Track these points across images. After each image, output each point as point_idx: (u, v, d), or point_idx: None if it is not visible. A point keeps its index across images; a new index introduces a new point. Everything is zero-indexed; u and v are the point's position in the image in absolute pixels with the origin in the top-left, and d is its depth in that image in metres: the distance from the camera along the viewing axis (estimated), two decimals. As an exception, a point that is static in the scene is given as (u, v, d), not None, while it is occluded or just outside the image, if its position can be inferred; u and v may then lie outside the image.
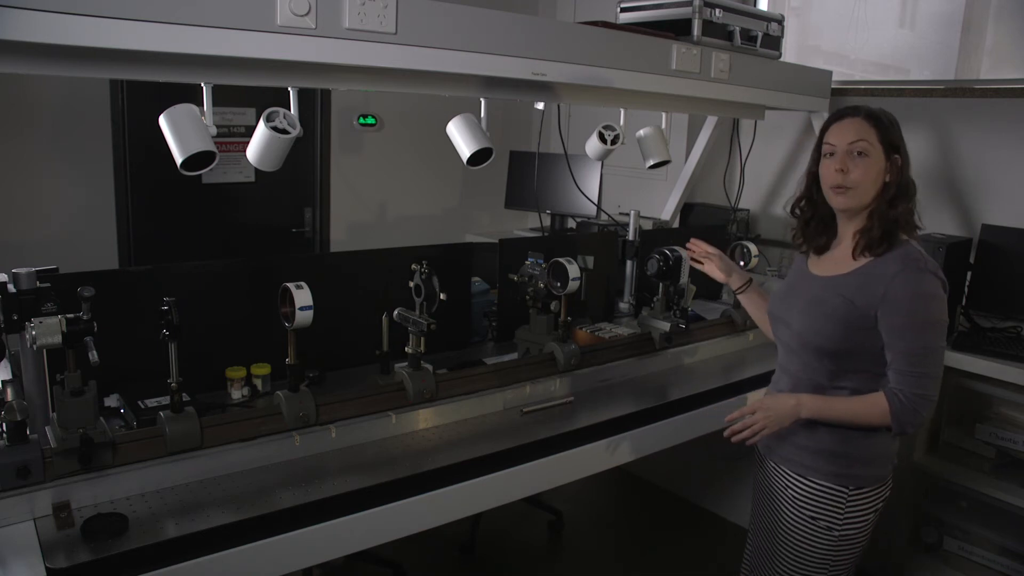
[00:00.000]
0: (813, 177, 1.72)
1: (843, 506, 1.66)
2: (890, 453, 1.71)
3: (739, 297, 2.08)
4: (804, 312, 1.68)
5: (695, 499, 3.48)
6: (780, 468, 1.75)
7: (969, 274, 2.78)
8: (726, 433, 1.71)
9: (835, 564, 1.70)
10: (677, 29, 2.44)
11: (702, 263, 2.14)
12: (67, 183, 3.32)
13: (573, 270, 2.04)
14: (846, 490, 1.66)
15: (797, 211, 1.78)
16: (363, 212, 4.18)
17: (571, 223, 3.80)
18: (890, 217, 1.60)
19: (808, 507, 1.69)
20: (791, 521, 1.72)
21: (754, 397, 2.19)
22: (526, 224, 4.47)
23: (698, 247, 2.16)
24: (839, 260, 1.67)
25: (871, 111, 1.63)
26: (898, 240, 1.61)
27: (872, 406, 1.59)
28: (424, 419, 1.82)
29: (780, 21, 2.78)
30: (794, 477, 1.72)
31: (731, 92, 2.57)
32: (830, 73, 3.09)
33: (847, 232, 1.68)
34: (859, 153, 1.59)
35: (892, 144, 1.60)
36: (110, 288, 1.66)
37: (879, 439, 1.65)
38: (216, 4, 1.44)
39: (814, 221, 1.74)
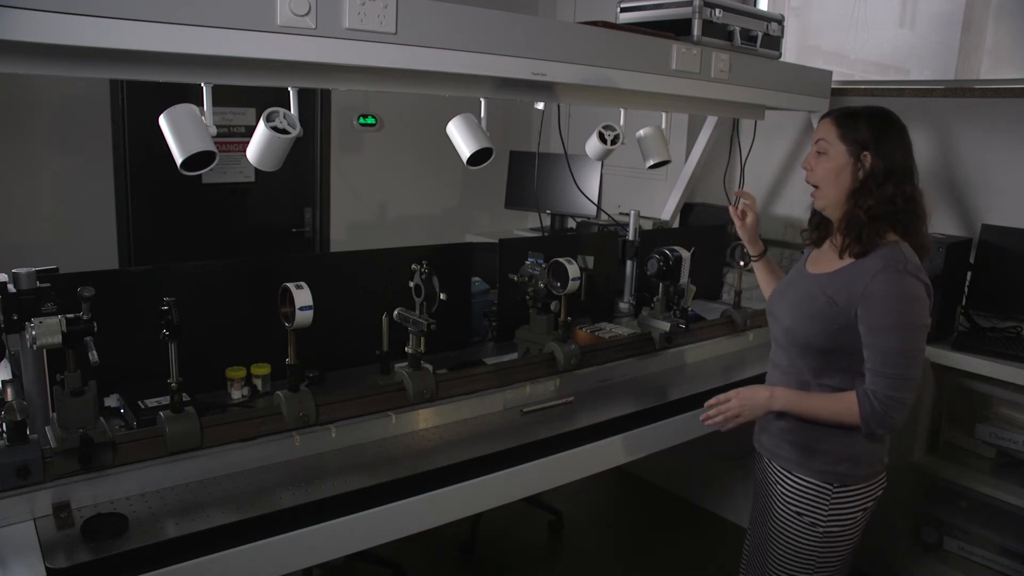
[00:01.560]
0: None
1: (827, 503, 1.67)
2: (877, 452, 1.71)
3: (754, 264, 2.09)
4: (792, 309, 1.72)
5: (695, 499, 3.48)
6: (772, 464, 1.78)
7: (969, 274, 2.78)
8: (701, 417, 1.76)
9: (822, 561, 1.71)
10: (677, 29, 2.44)
11: (742, 217, 2.06)
12: (67, 183, 3.31)
13: (573, 270, 2.05)
14: (830, 487, 1.67)
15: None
16: (363, 212, 4.18)
17: (571, 223, 3.79)
18: (853, 216, 1.62)
19: (794, 503, 1.71)
20: (779, 517, 1.74)
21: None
22: (526, 224, 4.47)
23: (748, 198, 2.08)
24: (830, 259, 1.70)
25: (848, 111, 1.66)
26: (883, 240, 1.61)
27: (844, 404, 1.60)
28: (424, 419, 1.82)
29: (780, 21, 2.78)
30: (782, 473, 1.74)
31: (731, 92, 2.57)
32: (830, 73, 3.09)
33: (834, 231, 1.71)
34: (819, 153, 1.67)
35: (859, 142, 1.61)
36: (110, 288, 1.66)
37: (863, 437, 1.65)
38: (216, 4, 1.44)
39: (817, 216, 1.78)
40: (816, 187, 1.69)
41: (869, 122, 1.62)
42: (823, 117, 1.71)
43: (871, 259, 1.60)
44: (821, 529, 1.68)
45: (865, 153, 1.61)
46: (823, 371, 1.67)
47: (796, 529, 1.71)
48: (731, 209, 2.11)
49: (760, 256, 2.08)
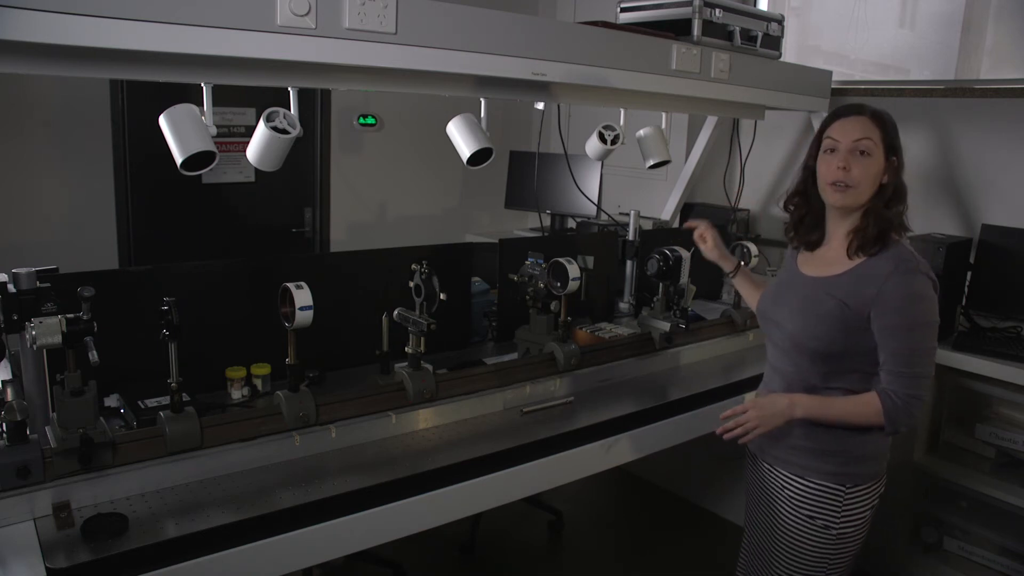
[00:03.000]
0: (810, 172, 1.70)
1: (840, 504, 1.66)
2: (884, 449, 1.72)
3: (732, 281, 2.11)
4: (796, 314, 1.68)
5: (695, 499, 3.48)
6: (775, 469, 1.75)
7: (969, 274, 2.78)
8: (718, 431, 1.71)
9: (833, 562, 1.70)
10: (677, 29, 2.44)
11: (704, 241, 2.12)
12: (67, 183, 3.32)
13: (573, 270, 2.04)
14: (843, 488, 1.66)
15: (791, 207, 1.77)
16: (363, 212, 4.18)
17: (571, 223, 3.80)
18: (885, 218, 1.60)
19: (805, 507, 1.69)
20: (788, 521, 1.72)
21: (751, 398, 2.19)
22: (526, 224, 4.47)
23: (697, 224, 2.15)
24: (831, 260, 1.67)
25: (876, 111, 1.63)
26: (890, 240, 1.61)
27: (866, 406, 1.60)
28: (424, 419, 1.82)
29: (780, 21, 2.78)
30: (790, 477, 1.71)
31: (731, 92, 2.57)
32: (830, 73, 3.09)
33: (838, 231, 1.67)
34: (862, 152, 1.59)
35: (892, 146, 1.61)
36: (110, 288, 1.66)
37: (873, 436, 1.66)
38: (216, 4, 1.44)
39: (808, 217, 1.74)
40: (848, 187, 1.59)
41: (894, 125, 1.63)
42: (852, 114, 1.62)
43: (881, 260, 1.59)
44: (835, 531, 1.67)
45: (894, 158, 1.61)
46: (831, 375, 1.65)
47: (808, 533, 1.69)
48: (695, 236, 2.15)
49: (735, 271, 2.08)
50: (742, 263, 2.12)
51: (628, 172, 3.80)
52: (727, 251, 2.14)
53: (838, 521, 1.67)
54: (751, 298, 2.02)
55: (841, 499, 1.66)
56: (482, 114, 2.06)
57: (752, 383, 2.27)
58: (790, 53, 3.33)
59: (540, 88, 2.13)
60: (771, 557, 1.77)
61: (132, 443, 1.47)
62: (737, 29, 2.58)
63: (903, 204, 1.62)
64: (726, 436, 1.69)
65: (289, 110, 1.73)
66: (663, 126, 2.60)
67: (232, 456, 1.56)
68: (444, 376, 1.91)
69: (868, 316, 1.57)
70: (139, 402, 1.70)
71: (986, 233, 2.75)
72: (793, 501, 1.71)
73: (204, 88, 1.63)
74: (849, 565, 1.74)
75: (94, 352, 1.36)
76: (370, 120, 4.06)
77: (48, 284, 1.51)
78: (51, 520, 1.33)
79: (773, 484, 1.76)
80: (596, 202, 3.57)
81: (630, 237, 2.77)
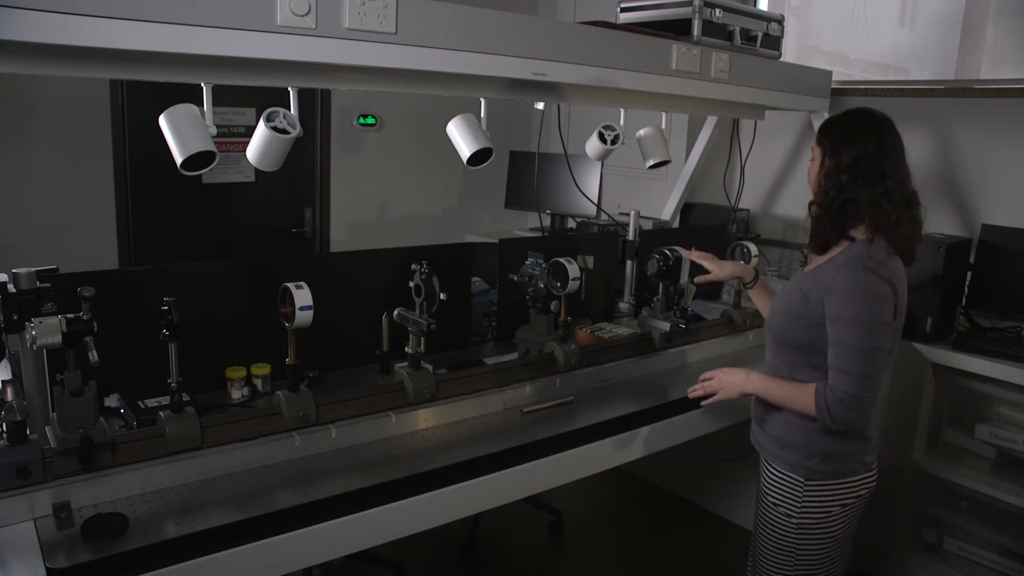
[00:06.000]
0: None
1: (799, 495, 1.70)
2: (853, 451, 1.71)
3: (750, 293, 2.16)
4: (774, 306, 1.79)
5: (695, 499, 3.48)
6: (761, 458, 1.83)
7: (969, 274, 2.78)
8: (688, 390, 1.94)
9: (802, 553, 1.73)
10: (677, 29, 2.44)
11: (712, 261, 2.20)
12: (67, 184, 3.31)
13: (573, 270, 2.04)
14: (801, 480, 1.70)
15: None
16: (363, 212, 4.18)
17: (571, 223, 3.80)
18: (813, 217, 1.69)
19: (771, 494, 1.76)
20: (762, 507, 1.80)
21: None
22: (526, 224, 4.47)
23: (694, 255, 2.25)
24: (818, 260, 1.74)
25: (832, 116, 1.72)
26: (856, 238, 1.65)
27: (804, 395, 1.64)
28: (424, 419, 1.82)
29: (780, 21, 2.78)
30: (764, 464, 1.80)
31: (731, 92, 2.57)
32: (830, 73, 3.09)
33: None
34: (811, 160, 1.73)
35: (822, 144, 1.68)
36: (110, 288, 1.66)
37: (836, 436, 1.67)
38: (216, 4, 1.44)
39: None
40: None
41: (839, 123, 1.68)
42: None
43: (840, 256, 1.64)
44: (795, 520, 1.72)
45: (827, 155, 1.67)
46: (796, 366, 1.71)
47: (774, 519, 1.76)
48: (697, 259, 2.23)
49: (754, 281, 2.14)
50: (756, 260, 2.17)
51: (628, 172, 3.80)
52: (739, 266, 2.21)
53: (797, 512, 1.71)
54: (767, 310, 2.04)
55: (799, 491, 1.70)
56: (482, 114, 2.06)
57: (752, 383, 2.27)
58: (790, 53, 3.33)
59: (541, 88, 2.13)
60: (755, 544, 1.85)
61: (132, 443, 1.47)
62: (737, 29, 2.58)
63: (818, 204, 1.67)
64: (691, 394, 1.91)
65: (289, 110, 1.73)
66: (663, 126, 2.60)
67: (232, 456, 1.56)
68: (444, 376, 1.91)
69: (823, 311, 1.62)
70: (139, 402, 1.70)
71: (986, 233, 2.75)
72: (765, 487, 1.79)
73: (204, 88, 1.63)
74: (828, 561, 1.75)
75: (94, 352, 1.36)
76: (370, 120, 4.06)
77: (48, 284, 1.52)
78: (51, 520, 1.33)
79: (760, 471, 1.83)
80: (596, 202, 3.57)
81: (630, 237, 2.77)
